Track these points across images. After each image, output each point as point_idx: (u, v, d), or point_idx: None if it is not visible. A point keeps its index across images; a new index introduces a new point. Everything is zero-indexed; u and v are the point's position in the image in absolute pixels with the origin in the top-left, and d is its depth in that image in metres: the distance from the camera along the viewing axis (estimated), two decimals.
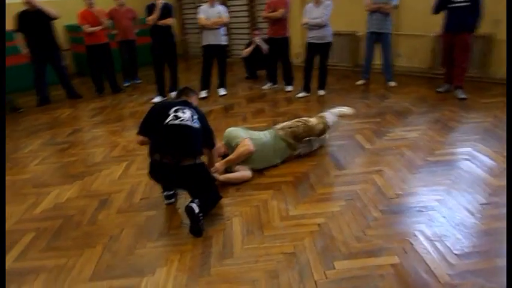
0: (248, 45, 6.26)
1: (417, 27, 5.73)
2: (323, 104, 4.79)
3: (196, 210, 2.22)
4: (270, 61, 5.64)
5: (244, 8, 7.92)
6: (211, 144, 2.68)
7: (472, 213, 2.33)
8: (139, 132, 2.53)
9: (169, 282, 1.94)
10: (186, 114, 2.44)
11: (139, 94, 5.95)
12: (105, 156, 3.63)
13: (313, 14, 4.77)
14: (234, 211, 2.54)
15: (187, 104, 2.58)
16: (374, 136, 3.66)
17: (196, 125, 2.46)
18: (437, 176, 2.81)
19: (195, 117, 2.49)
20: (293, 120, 3.30)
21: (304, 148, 3.27)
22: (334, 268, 1.95)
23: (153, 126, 2.46)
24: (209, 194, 2.44)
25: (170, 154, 2.34)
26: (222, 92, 5.56)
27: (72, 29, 7.12)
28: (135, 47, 6.40)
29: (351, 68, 6.50)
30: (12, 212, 2.73)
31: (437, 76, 5.47)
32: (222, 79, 5.58)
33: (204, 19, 5.08)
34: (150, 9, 5.06)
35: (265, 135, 3.15)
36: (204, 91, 5.46)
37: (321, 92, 5.18)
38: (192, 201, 2.26)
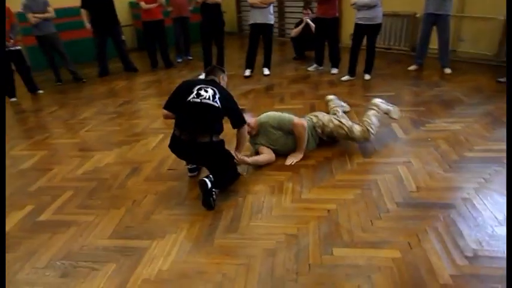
0: (298, 24, 6.15)
1: (485, 8, 5.17)
2: (367, 89, 4.61)
3: (209, 185, 2.34)
4: (317, 42, 5.50)
5: None
6: (237, 124, 2.66)
7: (497, 219, 2.16)
8: (165, 107, 2.66)
9: (175, 248, 2.10)
10: (208, 93, 2.52)
11: (189, 70, 6.19)
12: (145, 127, 3.89)
13: None
14: (250, 189, 2.62)
15: (212, 83, 2.65)
16: (411, 125, 3.47)
17: (217, 105, 2.51)
18: (469, 173, 2.63)
19: (217, 96, 2.54)
20: (335, 123, 3.05)
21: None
22: (332, 254, 1.96)
23: (178, 103, 2.58)
24: (226, 172, 2.55)
25: (187, 131, 2.46)
26: (266, 71, 5.57)
27: (133, 6, 7.53)
28: (188, 24, 6.61)
29: (407, 52, 6.11)
30: (59, 170, 3.09)
31: (502, 65, 4.94)
32: (267, 59, 5.57)
33: None
34: None
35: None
36: (248, 70, 5.53)
37: (367, 77, 4.97)
38: (207, 176, 2.38)
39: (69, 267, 2.01)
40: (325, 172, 2.78)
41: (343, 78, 5.03)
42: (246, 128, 2.73)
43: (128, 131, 3.83)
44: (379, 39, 5.32)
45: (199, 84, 2.58)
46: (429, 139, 3.18)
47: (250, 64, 5.53)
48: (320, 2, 5.10)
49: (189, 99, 2.51)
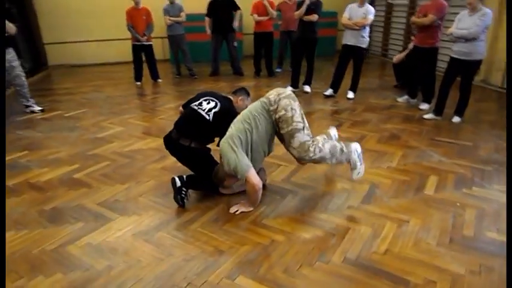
0: (403, 50, 5.65)
1: None
2: (444, 133, 3.97)
3: (178, 184, 2.59)
4: (413, 73, 4.96)
5: (405, 9, 7.08)
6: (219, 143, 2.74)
7: None
8: (182, 106, 3.02)
9: (129, 227, 2.44)
10: (208, 105, 2.74)
11: (283, 81, 6.44)
12: None
13: (463, 23, 3.91)
14: (226, 200, 2.74)
15: (222, 99, 2.83)
16: (452, 183, 2.92)
17: (208, 117, 2.69)
18: (467, 256, 2.12)
19: (214, 110, 2.71)
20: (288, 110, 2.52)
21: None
22: (233, 280, 1.96)
23: (187, 105, 2.90)
24: (201, 178, 2.74)
25: (176, 130, 2.75)
26: (350, 95, 5.36)
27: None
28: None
29: None
30: (116, 145, 3.81)
31: None
32: (354, 82, 5.35)
33: (346, 18, 4.97)
34: (300, 4, 5.34)
35: (257, 119, 2.53)
36: (330, 90, 5.42)
37: (456, 119, 4.26)
38: (180, 175, 2.64)
39: (57, 215, 2.59)
40: (306, 205, 2.66)
41: (426, 116, 4.44)
42: None
43: None
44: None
45: (210, 96, 2.83)
46: (458, 204, 2.64)
47: (333, 84, 5.41)
48: (419, 29, 4.61)
49: (192, 104, 2.80)
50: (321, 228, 2.40)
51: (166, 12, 6.52)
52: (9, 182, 3.07)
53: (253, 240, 2.29)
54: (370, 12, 4.84)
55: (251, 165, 2.42)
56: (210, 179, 2.76)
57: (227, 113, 2.75)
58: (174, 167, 3.22)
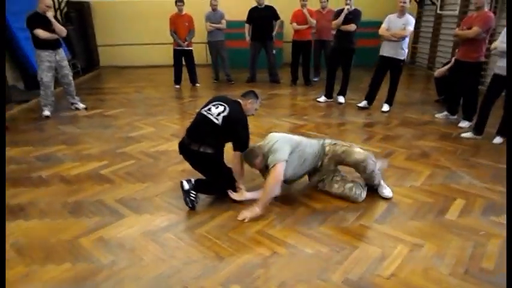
0: (446, 64, 5.33)
1: None
2: (490, 156, 3.66)
3: (186, 187, 2.65)
4: (452, 88, 4.68)
5: (455, 20, 6.67)
6: (234, 147, 2.79)
7: None
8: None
9: (138, 225, 2.53)
10: (217, 110, 2.77)
11: (319, 91, 6.33)
12: None
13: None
14: (237, 207, 2.75)
15: (231, 103, 2.84)
16: (481, 209, 2.70)
17: (217, 121, 2.71)
18: None
19: (223, 115, 2.73)
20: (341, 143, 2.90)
21: (327, 180, 2.88)
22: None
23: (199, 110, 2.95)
24: (211, 182, 2.79)
25: (188, 135, 2.81)
26: (385, 107, 5.16)
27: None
28: (327, 48, 6.73)
29: None
30: (143, 145, 3.98)
31: None
32: (390, 94, 5.14)
33: (384, 29, 4.81)
34: (338, 13, 5.25)
35: (311, 146, 2.87)
36: (365, 102, 5.27)
37: (497, 140, 3.94)
38: (188, 179, 2.69)
39: (78, 208, 2.75)
40: (316, 219, 2.60)
41: (465, 135, 4.15)
42: (238, 156, 2.77)
43: None
44: None
45: (219, 101, 2.86)
46: (482, 232, 2.43)
47: (368, 96, 5.24)
48: (462, 42, 4.34)
49: (202, 109, 2.85)
50: (326, 244, 2.32)
51: (208, 18, 6.71)
52: (43, 173, 3.32)
53: (255, 250, 2.28)
54: (409, 23, 4.65)
55: (287, 160, 2.60)
56: (220, 184, 2.80)
57: (236, 117, 2.78)
58: (193, 170, 3.26)
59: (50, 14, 4.73)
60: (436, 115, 4.91)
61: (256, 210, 2.57)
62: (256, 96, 3.00)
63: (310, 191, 2.98)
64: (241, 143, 2.80)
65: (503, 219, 2.59)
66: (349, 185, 2.83)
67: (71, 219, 2.62)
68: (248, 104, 2.94)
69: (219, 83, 7.11)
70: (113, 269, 2.12)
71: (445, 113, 4.84)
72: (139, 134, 4.33)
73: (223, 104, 2.83)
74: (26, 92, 6.22)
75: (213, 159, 2.80)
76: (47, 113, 5.00)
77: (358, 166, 2.75)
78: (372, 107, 5.28)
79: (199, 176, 2.89)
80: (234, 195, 2.80)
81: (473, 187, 3.04)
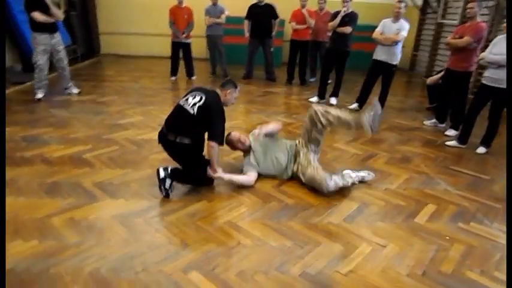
0: (439, 72, 5.35)
1: None
2: (471, 165, 3.69)
3: (161, 175, 2.69)
4: (442, 96, 4.70)
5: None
6: (209, 137, 2.79)
7: None
8: None
9: (110, 208, 2.58)
10: (193, 100, 2.78)
11: (313, 91, 6.35)
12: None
13: (498, 48, 3.65)
14: (211, 196, 2.80)
15: (208, 93, 2.84)
16: (452, 217, 2.73)
17: (192, 111, 2.73)
18: None
19: (198, 105, 2.75)
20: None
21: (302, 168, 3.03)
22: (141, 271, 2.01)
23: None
24: (188, 171, 2.84)
25: (166, 126, 2.85)
26: None
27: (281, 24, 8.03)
28: (322, 49, 6.73)
29: None
30: (130, 132, 4.03)
31: None
32: (381, 99, 5.12)
33: (378, 33, 4.83)
34: (335, 15, 5.27)
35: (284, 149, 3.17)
36: (356, 104, 5.31)
37: (481, 150, 3.97)
38: (165, 167, 2.73)
39: (54, 188, 2.80)
40: (286, 214, 2.64)
41: (449, 143, 4.17)
42: (214, 146, 2.78)
43: None
44: None
45: (197, 91, 2.88)
46: (447, 237, 2.47)
47: (360, 99, 5.29)
48: (453, 51, 4.36)
49: (180, 100, 2.89)
50: (291, 238, 2.36)
51: (208, 12, 6.73)
52: (26, 153, 3.37)
53: (220, 239, 2.32)
54: (403, 28, 4.67)
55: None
56: (195, 174, 2.84)
57: (212, 107, 2.77)
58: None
59: None
60: (425, 122, 4.94)
61: (224, 176, 2.88)
62: (234, 86, 2.99)
63: (287, 187, 3.02)
64: (216, 133, 2.79)
65: (470, 226, 2.62)
66: (322, 172, 2.90)
67: (47, 199, 2.67)
68: (227, 94, 2.94)
69: (215, 78, 7.13)
70: (79, 248, 2.16)
71: (434, 120, 4.87)
72: (128, 121, 4.37)
73: (200, 93, 2.84)
74: (23, 74, 6.26)
75: (190, 150, 2.83)
76: (39, 95, 5.05)
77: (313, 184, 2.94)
78: (363, 110, 5.29)
79: (178, 165, 2.93)
80: (211, 173, 2.85)
81: (447, 194, 3.07)
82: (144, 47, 8.99)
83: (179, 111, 2.84)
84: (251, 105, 5.42)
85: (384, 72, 4.99)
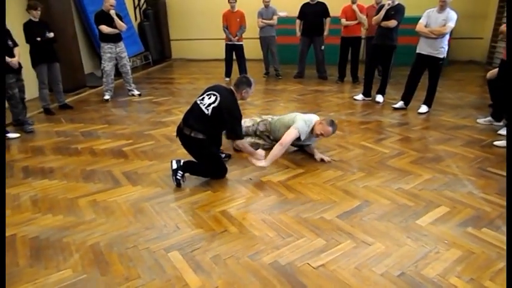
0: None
1: None
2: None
3: (174, 166, 2.97)
4: (498, 91, 4.19)
5: None
6: (229, 135, 3.13)
7: None
8: None
9: (127, 194, 2.94)
10: (209, 100, 2.99)
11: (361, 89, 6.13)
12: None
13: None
14: (217, 187, 3.00)
15: (225, 93, 3.02)
16: (460, 219, 2.50)
17: (207, 111, 2.94)
18: None
19: (213, 105, 2.94)
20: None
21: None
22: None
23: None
24: (199, 165, 3.07)
25: (183, 121, 3.10)
26: (422, 109, 4.84)
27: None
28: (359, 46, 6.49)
29: None
30: (166, 130, 4.42)
31: None
32: (429, 96, 4.81)
33: (422, 25, 4.51)
34: (379, 9, 5.05)
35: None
36: (401, 102, 5.00)
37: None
38: (178, 159, 3.00)
39: (90, 175, 3.28)
40: (281, 207, 2.70)
41: (498, 143, 3.72)
42: (238, 143, 3.07)
43: None
44: None
45: (213, 90, 3.09)
46: (446, 241, 2.28)
47: (404, 96, 4.97)
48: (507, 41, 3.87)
49: (197, 98, 3.12)
50: (275, 230, 2.44)
51: (260, 15, 6.96)
52: (79, 146, 3.97)
53: (210, 226, 2.50)
54: (450, 19, 4.28)
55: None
56: (205, 168, 3.07)
57: (225, 107, 2.95)
58: None
59: (113, 12, 5.48)
60: (478, 120, 4.46)
61: (262, 163, 3.11)
62: (248, 85, 3.10)
63: (292, 182, 3.08)
64: (235, 132, 3.03)
65: (481, 232, 2.38)
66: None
67: (81, 183, 3.15)
68: (243, 94, 3.09)
69: (268, 78, 7.33)
70: (90, 224, 2.55)
71: (489, 118, 4.37)
72: (170, 119, 4.81)
73: (216, 93, 3.03)
74: (100, 79, 7.22)
75: (203, 145, 3.03)
76: (107, 97, 5.82)
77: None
78: (409, 108, 4.99)
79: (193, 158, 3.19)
80: (254, 162, 3.15)
81: (470, 197, 2.80)
82: (207, 50, 9.61)
83: (195, 109, 3.07)
84: (290, 103, 5.48)
85: (429, 67, 4.63)
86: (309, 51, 6.97)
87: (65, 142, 4.10)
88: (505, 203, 2.70)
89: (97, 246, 2.31)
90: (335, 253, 2.21)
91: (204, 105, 3.01)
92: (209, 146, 3.12)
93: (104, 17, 5.47)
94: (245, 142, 3.15)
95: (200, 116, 2.99)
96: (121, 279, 2.03)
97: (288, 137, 3.17)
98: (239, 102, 3.12)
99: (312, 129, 3.28)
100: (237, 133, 3.04)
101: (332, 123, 3.25)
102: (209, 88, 3.17)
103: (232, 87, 3.14)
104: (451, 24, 4.30)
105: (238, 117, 3.06)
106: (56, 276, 2.07)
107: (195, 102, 3.12)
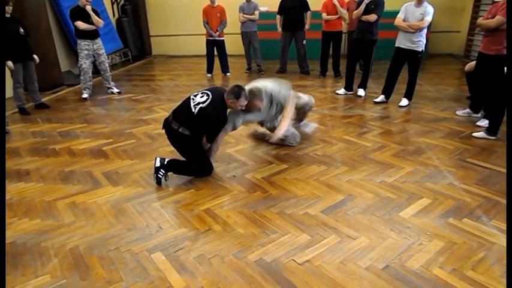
0: None
1: None
2: (492, 159, 3.38)
3: (157, 164, 2.91)
4: (476, 83, 4.28)
5: None
6: (210, 140, 3.11)
7: None
8: None
9: (108, 195, 2.87)
10: (200, 99, 2.93)
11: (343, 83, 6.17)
12: None
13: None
14: (194, 185, 2.96)
15: (217, 96, 2.94)
16: (442, 210, 2.54)
17: (194, 110, 2.89)
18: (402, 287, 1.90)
19: (201, 106, 2.88)
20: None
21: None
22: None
23: None
24: (184, 162, 3.02)
25: (172, 114, 3.05)
26: (402, 102, 4.89)
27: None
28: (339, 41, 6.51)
29: None
30: (150, 127, 4.35)
31: None
32: (409, 89, 4.86)
33: (400, 19, 4.55)
34: (359, 4, 5.07)
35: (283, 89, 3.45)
36: (382, 96, 5.04)
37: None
38: (162, 157, 2.95)
39: (69, 176, 3.19)
40: (265, 203, 2.68)
41: (477, 134, 3.80)
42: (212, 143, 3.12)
43: None
44: None
45: (209, 91, 3.01)
46: (428, 233, 2.32)
47: (385, 90, 5.02)
48: (485, 33, 3.95)
49: (191, 94, 3.07)
50: (260, 227, 2.42)
51: (241, 9, 6.89)
52: (57, 146, 3.85)
53: (193, 225, 2.47)
54: (428, 13, 4.34)
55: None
56: (192, 166, 3.02)
57: (210, 112, 2.88)
58: None
59: (89, 8, 5.32)
60: (457, 112, 4.54)
61: (278, 133, 3.29)
62: (236, 96, 2.91)
63: (277, 178, 3.06)
64: (210, 138, 3.08)
65: (462, 223, 2.43)
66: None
67: (60, 185, 3.06)
68: (231, 103, 2.97)
69: (250, 73, 7.29)
70: (70, 227, 2.47)
71: (467, 110, 4.46)
72: (152, 117, 4.72)
73: (209, 94, 2.96)
74: (77, 77, 7.02)
75: (190, 141, 2.99)
76: (85, 95, 5.66)
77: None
78: (390, 102, 5.05)
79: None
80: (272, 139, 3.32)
81: (451, 188, 2.84)
82: (188, 46, 9.46)
83: (185, 104, 3.01)
84: None
85: (408, 60, 4.68)
86: (290, 46, 6.96)
87: (41, 143, 3.97)
88: (484, 193, 2.75)
89: (77, 250, 2.25)
90: (320, 248, 2.21)
91: (194, 102, 2.95)
92: (195, 143, 3.07)
93: (79, 13, 5.30)
94: (219, 139, 3.22)
95: (188, 113, 2.94)
96: (102, 282, 1.98)
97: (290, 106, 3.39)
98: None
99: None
100: (213, 139, 3.12)
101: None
102: (208, 88, 3.11)
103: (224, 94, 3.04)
104: (429, 19, 4.35)
105: (220, 126, 3.05)
106: (34, 282, 1.99)
107: (189, 97, 3.05)
